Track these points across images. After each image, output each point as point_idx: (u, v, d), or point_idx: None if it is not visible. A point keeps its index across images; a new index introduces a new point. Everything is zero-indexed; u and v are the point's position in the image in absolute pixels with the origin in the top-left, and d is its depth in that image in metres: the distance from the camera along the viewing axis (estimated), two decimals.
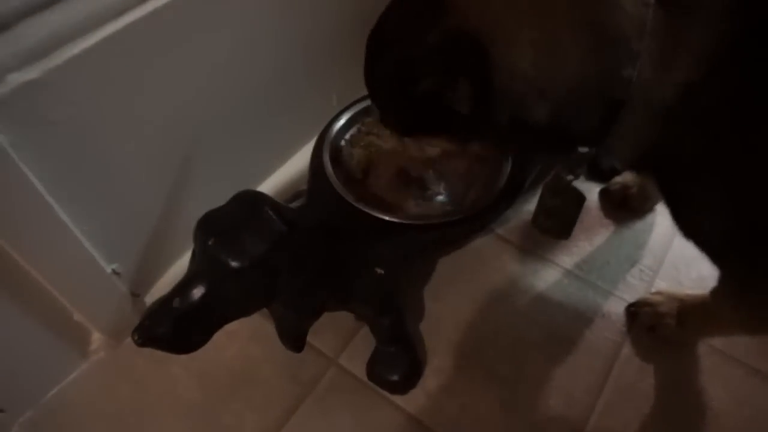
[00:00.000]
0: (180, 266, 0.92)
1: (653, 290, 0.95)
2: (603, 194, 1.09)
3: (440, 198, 0.89)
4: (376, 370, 0.86)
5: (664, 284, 0.97)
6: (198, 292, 0.60)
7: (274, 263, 0.62)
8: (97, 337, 0.88)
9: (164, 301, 0.60)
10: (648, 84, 0.56)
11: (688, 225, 0.64)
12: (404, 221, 0.78)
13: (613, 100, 0.58)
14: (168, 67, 0.72)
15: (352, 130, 0.92)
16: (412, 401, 0.85)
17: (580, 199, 0.79)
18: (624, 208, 1.06)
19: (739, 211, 0.58)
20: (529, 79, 0.58)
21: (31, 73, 0.57)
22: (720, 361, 0.88)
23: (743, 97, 0.53)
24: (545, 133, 0.62)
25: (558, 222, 0.81)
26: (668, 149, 0.59)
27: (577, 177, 0.77)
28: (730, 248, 0.62)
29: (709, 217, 0.61)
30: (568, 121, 0.61)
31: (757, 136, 0.53)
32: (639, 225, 1.05)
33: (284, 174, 1.03)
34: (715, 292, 0.77)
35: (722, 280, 0.71)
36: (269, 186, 1.01)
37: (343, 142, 0.91)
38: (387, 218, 0.77)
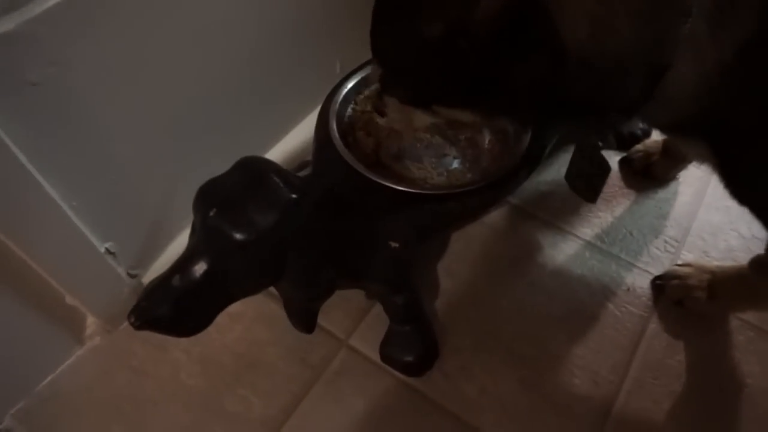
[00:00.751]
0: (180, 244, 0.85)
1: (680, 262, 0.90)
2: (624, 163, 1.03)
3: (456, 165, 0.84)
4: (389, 351, 0.81)
5: (690, 256, 0.92)
6: (199, 268, 0.55)
7: (282, 236, 0.56)
8: (92, 322, 0.83)
9: (163, 280, 0.55)
10: (701, 43, 0.51)
11: (744, 189, 0.60)
12: (420, 191, 0.72)
13: (659, 66, 0.52)
14: (160, 23, 0.66)
15: (348, 111, 0.86)
16: (429, 383, 0.80)
17: (604, 167, 0.75)
18: (646, 177, 1.01)
19: None
20: (582, 51, 0.51)
21: (5, 25, 0.51)
22: (754, 336, 0.84)
23: None
24: (581, 104, 0.57)
25: (585, 184, 0.77)
26: (723, 111, 0.53)
27: (605, 142, 0.72)
28: None
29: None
30: (609, 94, 0.55)
31: None
32: (662, 194, 1.00)
33: (287, 145, 0.97)
34: (757, 261, 0.72)
35: None
36: (272, 157, 0.95)
37: (349, 111, 0.85)
38: (401, 188, 0.71)
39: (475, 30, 0.49)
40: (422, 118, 0.70)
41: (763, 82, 0.51)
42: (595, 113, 0.60)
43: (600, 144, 0.74)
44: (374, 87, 0.87)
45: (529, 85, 0.53)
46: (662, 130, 0.67)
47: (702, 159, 0.66)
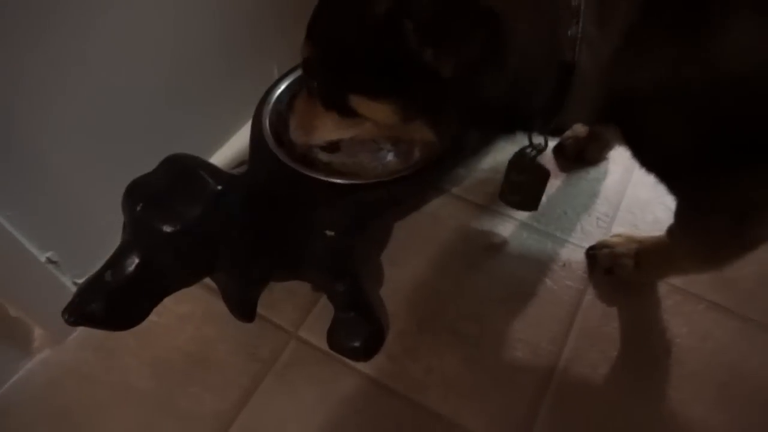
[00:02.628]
0: None
1: (611, 236, 0.95)
2: (557, 149, 1.08)
3: (390, 158, 0.87)
4: (336, 338, 0.82)
5: (621, 230, 0.97)
6: (131, 262, 0.57)
7: (210, 228, 0.58)
8: (39, 333, 0.83)
9: (96, 277, 0.57)
10: (594, 40, 0.56)
11: (649, 156, 0.65)
12: (349, 181, 0.75)
13: (563, 64, 0.57)
14: (85, 29, 0.67)
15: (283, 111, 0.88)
16: (377, 367, 0.83)
17: (544, 174, 0.80)
18: (578, 161, 1.06)
19: (694, 130, 0.58)
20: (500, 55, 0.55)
21: None
22: (681, 299, 0.89)
23: (681, 18, 0.54)
24: (503, 110, 0.61)
25: (524, 196, 0.81)
26: (624, 94, 0.58)
27: (540, 152, 0.76)
28: (688, 171, 0.63)
29: (669, 143, 0.61)
30: (523, 93, 0.59)
31: (702, 51, 0.53)
32: (593, 174, 1.05)
33: (230, 150, 0.99)
34: (671, 228, 0.77)
35: (679, 211, 0.72)
36: (215, 162, 0.97)
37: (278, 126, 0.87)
38: (329, 179, 0.74)
39: (420, 12, 0.52)
40: (324, 129, 0.71)
41: (651, 58, 0.56)
42: (520, 121, 0.65)
43: (535, 153, 0.77)
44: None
45: (456, 78, 0.56)
46: (587, 124, 0.72)
47: (618, 140, 0.71)
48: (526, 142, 0.76)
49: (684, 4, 0.53)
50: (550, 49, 0.57)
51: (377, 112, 0.63)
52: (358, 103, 0.63)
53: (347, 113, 0.64)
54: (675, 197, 0.70)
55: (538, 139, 0.75)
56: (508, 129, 0.69)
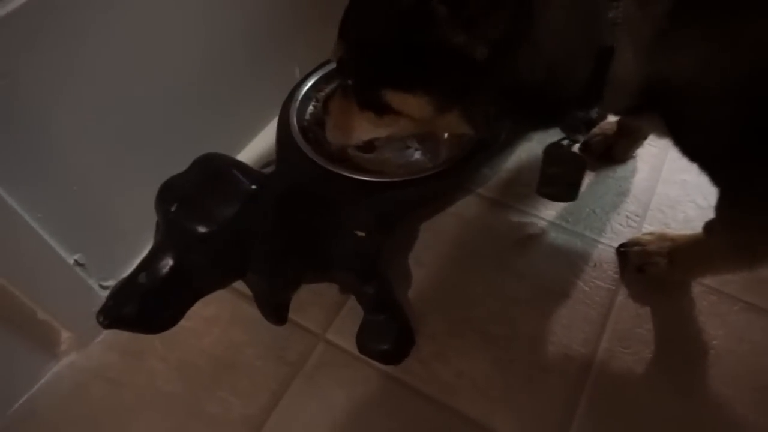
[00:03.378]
0: None
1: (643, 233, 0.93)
2: (584, 147, 1.06)
3: (417, 156, 0.86)
4: (365, 342, 0.82)
5: (651, 228, 0.95)
6: (164, 264, 0.56)
7: (244, 228, 0.57)
8: (66, 336, 0.83)
9: (129, 278, 0.56)
10: (634, 22, 0.55)
11: (692, 144, 0.62)
12: (379, 179, 0.74)
13: (602, 49, 0.56)
14: (113, 32, 0.67)
15: (310, 108, 0.88)
16: (406, 370, 0.81)
17: (581, 163, 0.78)
18: (606, 159, 1.04)
19: (740, 118, 0.56)
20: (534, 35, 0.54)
21: None
22: (716, 300, 0.86)
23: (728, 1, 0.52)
24: (538, 97, 0.59)
25: (562, 188, 0.79)
26: (667, 78, 0.57)
27: (576, 142, 0.75)
28: (733, 159, 0.61)
29: (713, 131, 0.59)
30: (560, 77, 0.58)
31: (752, 29, 0.52)
32: (620, 172, 1.03)
33: (253, 151, 0.98)
34: (710, 223, 0.75)
35: (720, 204, 0.69)
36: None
37: (305, 123, 0.86)
38: (360, 177, 0.73)
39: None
40: (361, 130, 0.71)
41: (695, 40, 0.54)
42: (556, 110, 0.63)
43: (571, 143, 0.75)
44: (336, 85, 0.89)
45: (490, 61, 0.55)
46: (621, 114, 0.70)
47: (658, 131, 0.69)
48: (556, 137, 0.75)
49: None
50: (589, 32, 0.55)
51: (413, 105, 0.62)
52: (393, 97, 0.62)
53: (383, 110, 0.64)
54: (717, 188, 0.68)
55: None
56: (542, 118, 0.67)
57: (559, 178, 0.80)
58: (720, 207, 0.70)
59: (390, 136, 0.70)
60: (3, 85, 0.58)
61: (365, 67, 0.63)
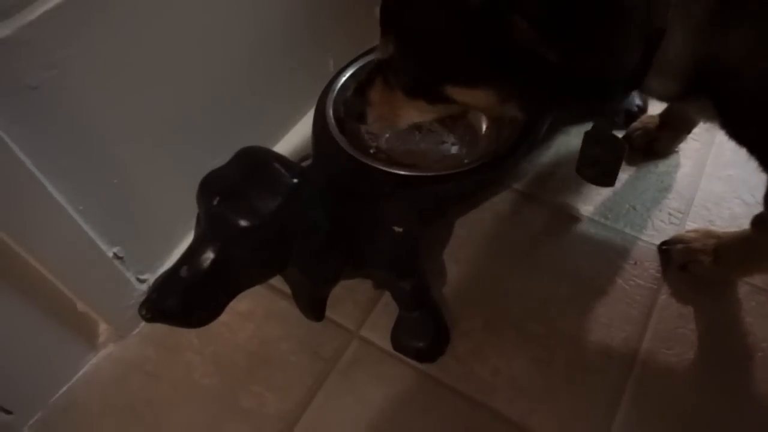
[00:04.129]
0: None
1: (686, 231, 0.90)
2: (625, 142, 1.03)
3: (454, 151, 0.84)
4: (401, 339, 0.81)
5: (695, 226, 0.92)
6: (206, 258, 0.55)
7: (286, 221, 0.57)
8: (104, 329, 0.84)
9: (171, 272, 0.55)
10: (688, 2, 0.53)
11: (742, 127, 0.61)
12: (418, 173, 0.73)
13: (654, 30, 0.54)
14: (156, 23, 0.67)
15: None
16: (442, 369, 0.80)
17: (621, 146, 0.76)
18: (648, 154, 1.01)
19: None
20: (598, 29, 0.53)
21: (2, 30, 0.52)
22: (765, 300, 0.83)
23: None
24: (589, 83, 0.58)
25: (601, 170, 0.77)
26: (717, 59, 0.55)
27: (616, 125, 0.73)
28: None
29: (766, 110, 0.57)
30: (614, 64, 0.56)
31: None
32: (662, 167, 1.00)
33: (288, 143, 0.98)
34: (758, 219, 0.72)
35: None
36: None
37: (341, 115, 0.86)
38: (399, 172, 0.72)
39: (534, 9, 0.50)
40: (408, 117, 0.70)
41: (744, 14, 0.52)
42: (604, 90, 0.61)
43: (611, 126, 0.75)
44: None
45: (561, 64, 0.53)
46: (669, 100, 0.68)
47: (707, 117, 0.67)
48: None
49: None
50: (642, 18, 0.53)
51: (475, 98, 0.61)
52: (455, 92, 0.61)
53: (439, 101, 0.63)
54: (766, 173, 0.64)
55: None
56: (589, 103, 0.65)
57: (599, 160, 0.78)
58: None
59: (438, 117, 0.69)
60: (51, 77, 0.58)
61: (423, 66, 0.62)
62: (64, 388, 0.82)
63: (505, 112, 0.63)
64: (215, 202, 0.55)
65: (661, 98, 0.71)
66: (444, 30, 0.57)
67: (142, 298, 0.81)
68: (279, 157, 0.59)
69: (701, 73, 0.57)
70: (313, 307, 0.68)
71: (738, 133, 0.62)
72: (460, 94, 0.61)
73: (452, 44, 0.57)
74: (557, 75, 0.54)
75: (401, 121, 0.69)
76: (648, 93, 0.66)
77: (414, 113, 0.67)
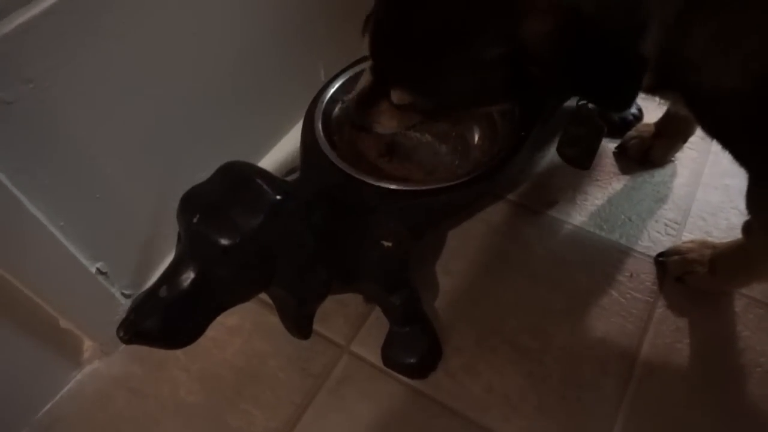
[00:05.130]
0: None
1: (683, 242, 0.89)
2: (620, 151, 1.02)
3: (446, 161, 0.83)
4: (391, 354, 0.79)
5: (692, 237, 0.91)
6: (187, 277, 0.53)
7: (268, 238, 0.55)
8: (89, 345, 0.82)
9: (150, 292, 0.54)
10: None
11: (711, 121, 0.62)
12: (410, 188, 0.71)
13: (639, 23, 0.54)
14: (138, 36, 0.65)
15: (335, 111, 0.86)
16: (434, 384, 0.78)
17: (600, 128, 0.76)
18: (644, 163, 1.00)
19: (759, 86, 0.55)
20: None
21: None
22: (763, 313, 0.82)
23: None
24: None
25: (580, 151, 0.78)
26: (679, 54, 0.56)
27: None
28: (752, 137, 0.60)
29: (731, 105, 0.58)
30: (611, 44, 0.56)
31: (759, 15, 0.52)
32: (658, 177, 0.99)
33: (277, 154, 0.96)
34: (747, 223, 0.71)
35: (749, 189, 0.67)
36: (263, 167, 0.95)
37: (330, 127, 0.84)
38: (388, 186, 0.70)
39: (534, 49, 0.54)
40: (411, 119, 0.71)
41: (704, 11, 0.54)
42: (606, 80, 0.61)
43: (592, 106, 0.74)
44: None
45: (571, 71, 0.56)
46: (646, 92, 0.68)
47: (681, 108, 0.68)
48: None
49: None
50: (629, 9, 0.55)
51: (490, 108, 0.70)
52: (474, 110, 0.69)
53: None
54: (744, 169, 0.65)
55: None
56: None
57: (581, 141, 0.78)
58: (748, 193, 0.67)
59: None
60: (27, 91, 0.57)
61: (450, 106, 0.67)
62: (48, 406, 0.80)
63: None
64: (195, 220, 0.54)
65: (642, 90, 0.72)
66: (468, 84, 0.61)
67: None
68: (262, 173, 0.57)
69: (667, 66, 0.57)
70: (300, 324, 0.66)
71: (707, 126, 0.63)
72: (479, 110, 0.68)
73: (475, 87, 0.61)
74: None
75: (400, 125, 0.71)
76: None
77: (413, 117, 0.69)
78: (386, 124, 0.71)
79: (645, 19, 0.54)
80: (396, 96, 0.65)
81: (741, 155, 0.63)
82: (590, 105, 0.72)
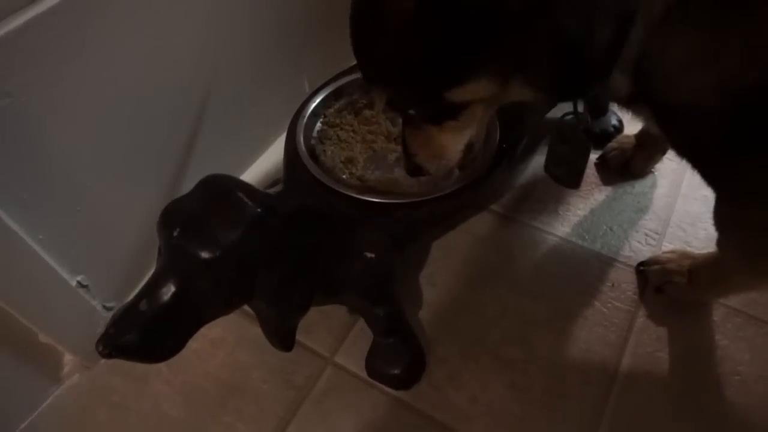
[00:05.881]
0: None
1: (663, 252, 0.90)
2: (601, 162, 1.03)
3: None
4: (375, 366, 0.79)
5: (671, 247, 0.92)
6: (167, 291, 0.53)
7: (249, 252, 0.55)
8: (69, 359, 0.81)
9: (130, 305, 0.53)
10: None
11: (679, 138, 0.62)
12: (391, 200, 0.71)
13: (625, 12, 0.53)
14: (117, 51, 0.65)
15: (318, 125, 0.86)
16: (418, 396, 0.78)
17: (586, 147, 0.76)
18: (624, 174, 1.01)
19: (728, 111, 0.54)
20: None
21: None
22: (741, 322, 0.83)
23: None
24: (572, 53, 0.56)
25: (567, 170, 0.77)
26: (656, 63, 0.55)
27: (581, 122, 0.74)
28: (717, 155, 0.59)
29: (701, 124, 0.57)
30: (595, 33, 0.54)
31: (738, 34, 0.50)
32: (639, 188, 1.00)
33: (261, 166, 0.96)
34: (718, 238, 0.72)
35: (716, 206, 0.68)
36: (247, 179, 0.94)
37: (313, 141, 0.85)
38: (369, 198, 0.71)
39: None
40: (450, 145, 0.70)
41: (691, 25, 0.52)
42: (591, 73, 0.60)
43: (577, 123, 0.75)
44: (344, 102, 0.87)
45: (529, 19, 0.52)
46: (621, 102, 0.68)
47: (652, 125, 0.67)
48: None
49: None
50: None
51: (476, 89, 0.60)
52: (457, 95, 0.61)
53: (456, 111, 0.63)
54: (711, 188, 0.65)
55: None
56: (581, 83, 0.62)
57: (566, 159, 0.78)
58: (715, 211, 0.69)
59: (476, 134, 0.69)
60: (4, 106, 0.56)
61: (416, 91, 0.62)
62: (27, 421, 0.79)
63: (521, 95, 0.62)
64: (176, 233, 0.54)
65: (617, 100, 0.71)
66: (405, 43, 0.56)
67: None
68: (243, 186, 0.57)
69: (643, 73, 0.57)
70: (282, 337, 0.66)
71: (677, 145, 0.63)
72: (461, 94, 0.60)
73: (418, 57, 0.57)
74: (540, 38, 0.54)
75: (450, 150, 0.69)
76: (609, 91, 0.64)
77: (453, 137, 0.67)
78: (424, 154, 0.70)
79: (632, 9, 0.53)
80: (377, 99, 0.65)
81: (709, 176, 0.63)
82: (571, 119, 0.72)
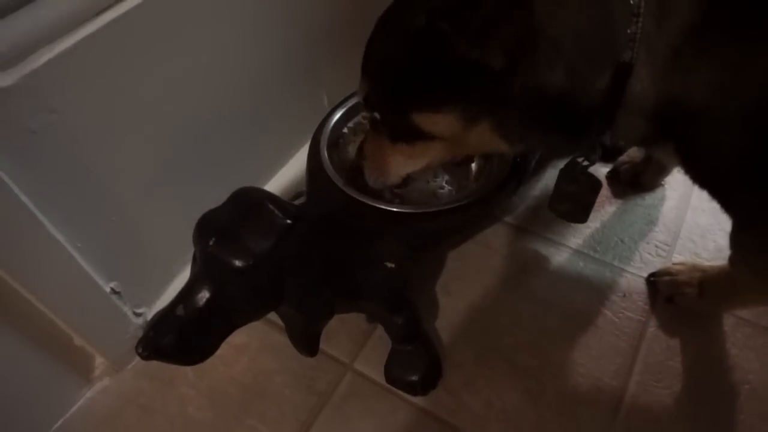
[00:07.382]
0: (183, 279, 0.87)
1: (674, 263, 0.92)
2: (612, 175, 1.06)
3: (445, 188, 0.86)
4: (394, 372, 0.82)
5: (681, 258, 0.94)
6: (202, 297, 0.57)
7: (279, 260, 0.58)
8: (100, 362, 0.84)
9: (168, 310, 0.57)
10: (651, 39, 0.55)
11: (702, 170, 0.63)
12: (409, 210, 0.75)
13: (621, 64, 0.56)
14: (152, 70, 0.69)
15: (350, 123, 0.90)
16: (435, 401, 0.81)
17: (596, 185, 0.78)
18: (634, 187, 1.04)
19: (750, 141, 0.56)
20: (550, 35, 0.55)
21: (5, 80, 0.54)
22: (751, 332, 0.85)
23: (746, 24, 0.52)
24: (558, 106, 0.59)
25: (574, 207, 0.79)
26: (680, 101, 0.56)
27: (592, 163, 0.75)
28: (743, 187, 0.61)
29: (726, 156, 0.59)
30: (580, 87, 0.58)
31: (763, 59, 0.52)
32: (649, 201, 1.03)
33: (283, 178, 1.00)
34: (732, 256, 0.74)
35: (733, 233, 0.69)
36: (269, 189, 0.98)
37: (345, 130, 0.88)
38: (391, 209, 0.74)
39: (450, 11, 0.53)
40: (398, 167, 0.73)
41: (710, 64, 0.54)
42: (577, 124, 0.63)
43: (587, 163, 0.76)
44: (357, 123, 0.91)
45: (509, 73, 0.55)
46: (637, 143, 0.70)
47: (671, 161, 0.69)
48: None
49: (748, 3, 0.51)
50: (607, 45, 0.55)
51: (441, 123, 0.62)
52: (422, 119, 0.63)
53: (414, 137, 0.65)
54: (729, 216, 0.67)
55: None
56: (565, 134, 0.65)
57: (573, 197, 0.80)
58: (732, 236, 0.70)
59: (425, 167, 0.71)
60: (51, 121, 0.60)
61: (390, 95, 0.64)
62: (60, 422, 0.82)
63: (485, 143, 0.64)
64: (211, 243, 0.57)
65: (631, 141, 0.73)
66: (398, 55, 0.60)
67: (138, 332, 0.83)
68: (273, 198, 0.61)
69: (664, 115, 0.58)
70: (307, 342, 0.69)
71: (699, 177, 0.64)
72: (426, 121, 0.63)
73: (406, 66, 0.60)
74: (519, 90, 0.56)
75: (392, 170, 0.72)
76: (620, 136, 0.66)
77: (401, 160, 0.69)
78: (373, 161, 0.72)
79: (628, 62, 0.55)
80: (360, 88, 0.67)
81: (729, 204, 0.64)
82: (583, 162, 0.73)
